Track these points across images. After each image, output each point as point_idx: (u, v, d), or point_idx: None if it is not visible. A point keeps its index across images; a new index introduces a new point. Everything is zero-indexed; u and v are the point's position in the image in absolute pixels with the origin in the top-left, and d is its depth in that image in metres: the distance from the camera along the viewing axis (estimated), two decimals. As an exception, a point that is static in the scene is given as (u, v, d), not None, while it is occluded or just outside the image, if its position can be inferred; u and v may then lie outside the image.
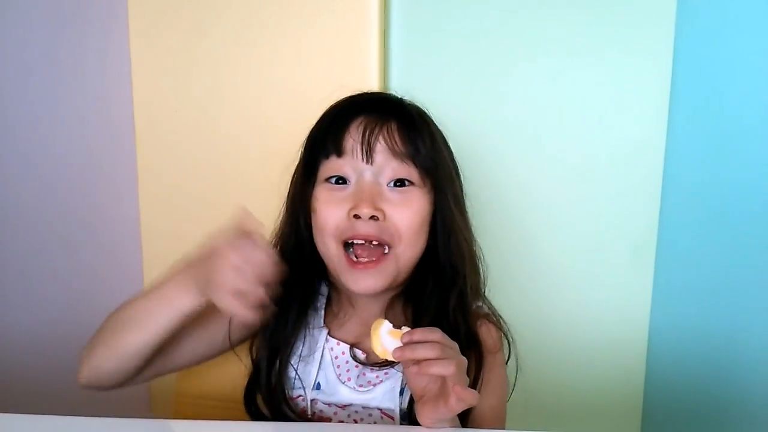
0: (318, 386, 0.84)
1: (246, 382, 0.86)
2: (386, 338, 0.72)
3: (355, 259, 0.80)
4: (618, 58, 1.10)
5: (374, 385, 0.82)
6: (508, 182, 1.13)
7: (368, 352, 0.84)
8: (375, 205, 0.78)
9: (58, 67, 1.25)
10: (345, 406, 0.83)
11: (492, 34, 1.10)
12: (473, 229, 0.90)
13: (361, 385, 0.83)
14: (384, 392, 0.82)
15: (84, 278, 1.27)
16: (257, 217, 0.73)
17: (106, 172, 1.28)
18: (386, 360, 0.73)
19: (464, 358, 0.72)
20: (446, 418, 0.72)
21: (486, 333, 0.86)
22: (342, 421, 0.83)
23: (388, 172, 0.80)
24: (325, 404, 0.83)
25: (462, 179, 0.90)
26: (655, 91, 1.11)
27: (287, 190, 0.88)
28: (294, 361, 0.85)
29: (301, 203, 0.85)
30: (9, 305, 1.33)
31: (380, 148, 0.80)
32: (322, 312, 0.88)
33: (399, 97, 0.87)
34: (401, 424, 0.81)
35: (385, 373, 0.82)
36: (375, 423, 0.82)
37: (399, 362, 0.73)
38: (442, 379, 0.70)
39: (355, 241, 0.80)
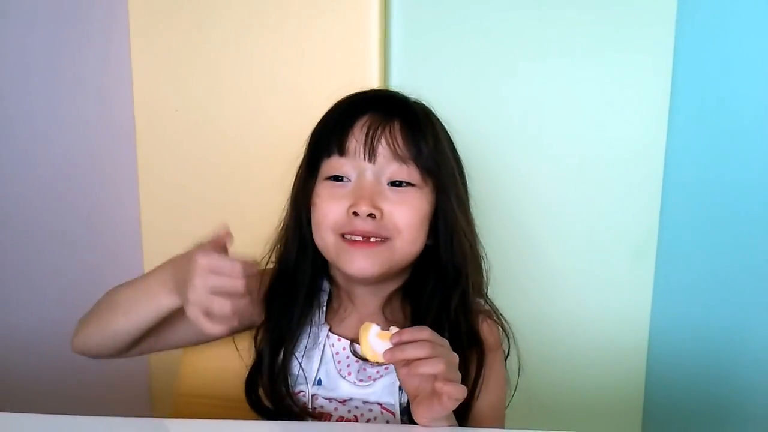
0: (319, 382, 0.84)
1: (248, 371, 0.87)
2: (375, 341, 0.72)
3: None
4: (618, 58, 1.10)
5: (374, 379, 0.83)
6: (508, 182, 1.13)
7: None
8: (374, 203, 0.79)
9: (58, 67, 1.26)
10: (345, 401, 0.83)
11: (492, 35, 1.10)
12: (475, 228, 0.91)
13: (361, 380, 0.83)
14: (384, 387, 0.82)
15: (85, 277, 1.27)
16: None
17: (106, 171, 1.28)
18: (378, 362, 0.73)
19: (455, 354, 0.73)
20: (441, 416, 0.72)
21: (487, 331, 0.86)
22: (342, 417, 0.83)
23: (388, 172, 0.81)
24: (326, 399, 0.84)
25: (467, 179, 0.90)
26: (655, 91, 1.11)
27: (291, 187, 0.89)
28: (299, 354, 0.85)
29: (303, 199, 0.85)
30: (10, 304, 1.33)
31: (382, 149, 0.81)
32: (324, 309, 0.88)
33: (405, 95, 0.87)
34: (401, 418, 0.82)
35: (386, 368, 0.83)
36: (375, 418, 0.83)
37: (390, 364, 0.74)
38: (435, 378, 0.70)
39: (353, 237, 0.81)
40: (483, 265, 0.90)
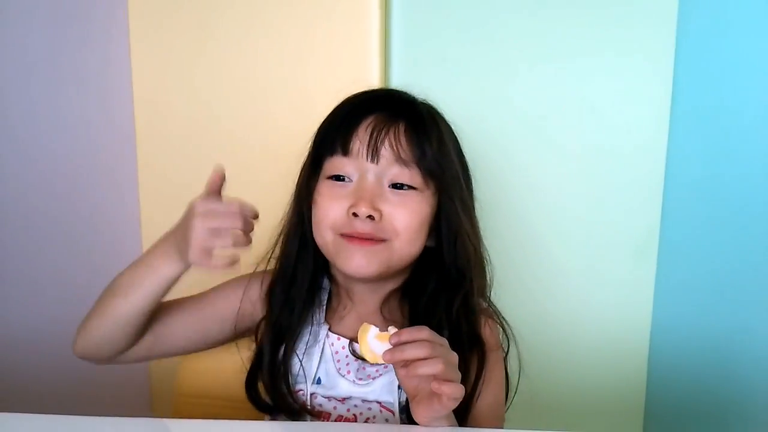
0: (318, 381, 0.84)
1: (249, 366, 0.87)
2: (374, 342, 0.72)
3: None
4: (621, 57, 1.10)
5: (373, 378, 0.83)
6: (508, 181, 1.13)
7: None
8: (373, 204, 0.79)
9: (59, 66, 1.26)
10: (344, 399, 0.83)
11: (494, 35, 1.10)
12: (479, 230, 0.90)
13: (360, 379, 0.83)
14: (383, 385, 0.82)
15: (85, 277, 1.27)
16: (256, 209, 0.76)
17: (107, 171, 1.28)
18: (378, 364, 0.73)
19: (455, 353, 0.73)
20: (441, 415, 0.72)
21: (488, 331, 0.86)
22: (341, 415, 0.83)
23: (390, 174, 0.81)
24: (325, 398, 0.84)
25: (473, 184, 0.90)
26: (657, 90, 1.11)
27: (293, 185, 0.89)
28: (300, 351, 0.85)
29: (305, 196, 0.85)
30: (10, 303, 1.33)
31: (385, 151, 0.80)
32: (324, 308, 0.89)
33: (412, 96, 0.87)
34: (400, 417, 0.82)
35: (384, 367, 0.83)
36: (374, 416, 0.83)
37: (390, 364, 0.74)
38: (434, 377, 0.70)
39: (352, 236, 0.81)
40: (487, 268, 0.90)
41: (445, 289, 0.85)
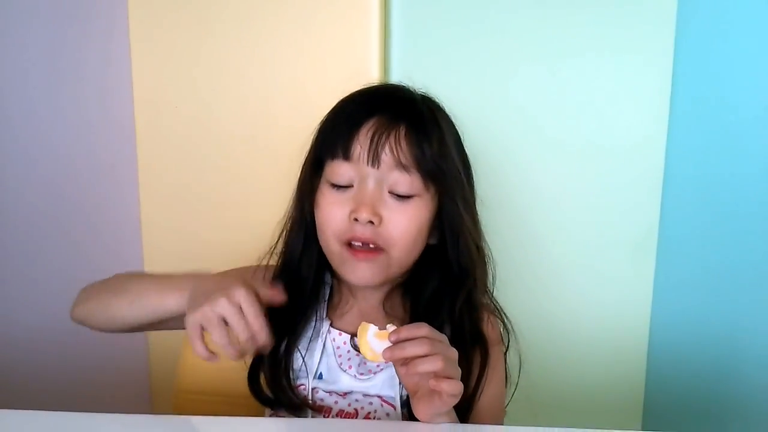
0: (320, 376, 0.85)
1: (251, 359, 0.87)
2: (374, 341, 0.73)
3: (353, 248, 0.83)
4: (620, 56, 1.10)
5: (374, 373, 0.83)
6: (507, 179, 1.13)
7: None
8: (374, 210, 0.80)
9: (59, 66, 1.26)
10: (346, 394, 0.84)
11: (493, 33, 1.11)
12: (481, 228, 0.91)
13: (361, 374, 0.84)
14: (384, 380, 0.83)
15: (85, 276, 1.27)
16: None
17: (107, 170, 1.28)
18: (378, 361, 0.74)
19: (454, 350, 0.73)
20: (442, 411, 0.73)
21: (489, 327, 0.87)
22: (342, 410, 0.83)
23: (390, 180, 0.81)
24: (326, 392, 0.84)
25: (474, 180, 0.90)
26: (656, 89, 1.11)
27: (294, 181, 0.89)
28: (302, 346, 0.86)
29: (308, 194, 0.86)
30: (10, 302, 1.33)
31: (386, 156, 0.80)
32: (326, 303, 0.89)
33: (413, 92, 0.87)
34: (401, 411, 0.82)
35: (386, 362, 0.83)
36: (375, 411, 0.83)
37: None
38: (434, 374, 0.70)
39: (353, 243, 0.81)
40: (489, 265, 0.90)
41: (448, 285, 0.85)
